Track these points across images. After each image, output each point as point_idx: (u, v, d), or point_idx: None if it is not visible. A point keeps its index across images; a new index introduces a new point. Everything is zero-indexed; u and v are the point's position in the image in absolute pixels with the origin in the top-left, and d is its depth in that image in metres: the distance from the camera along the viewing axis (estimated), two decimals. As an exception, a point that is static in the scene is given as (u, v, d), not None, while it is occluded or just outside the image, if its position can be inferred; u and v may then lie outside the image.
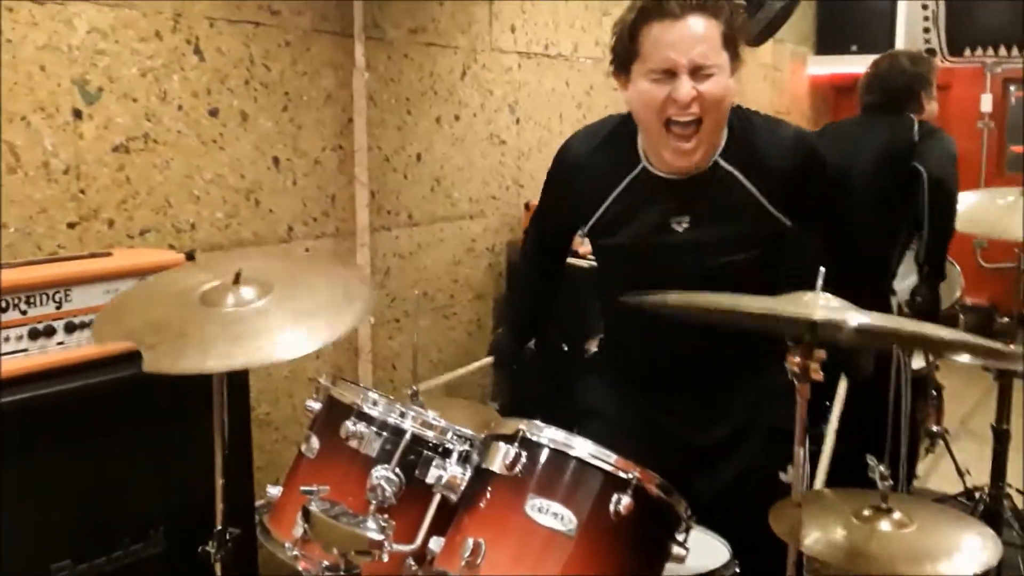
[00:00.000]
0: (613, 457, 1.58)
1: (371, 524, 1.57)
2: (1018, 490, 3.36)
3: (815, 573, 2.06)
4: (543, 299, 2.40)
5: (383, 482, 1.66)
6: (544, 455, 1.60)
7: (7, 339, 1.89)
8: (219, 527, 1.84)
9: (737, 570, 1.77)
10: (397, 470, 1.69)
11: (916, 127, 3.33)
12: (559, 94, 4.08)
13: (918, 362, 3.51)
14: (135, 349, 1.65)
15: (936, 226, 3.22)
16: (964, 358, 1.70)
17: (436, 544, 1.63)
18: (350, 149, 3.09)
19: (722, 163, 1.97)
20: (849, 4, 6.02)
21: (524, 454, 1.60)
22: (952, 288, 3.70)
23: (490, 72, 3.68)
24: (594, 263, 2.26)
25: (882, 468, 1.80)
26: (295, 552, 1.70)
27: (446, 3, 3.45)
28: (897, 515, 1.79)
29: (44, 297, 1.95)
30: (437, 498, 1.67)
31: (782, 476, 1.97)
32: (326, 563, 1.62)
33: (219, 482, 1.83)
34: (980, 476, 3.41)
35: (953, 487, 3.67)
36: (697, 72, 1.86)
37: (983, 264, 4.85)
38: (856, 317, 1.49)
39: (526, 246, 2.49)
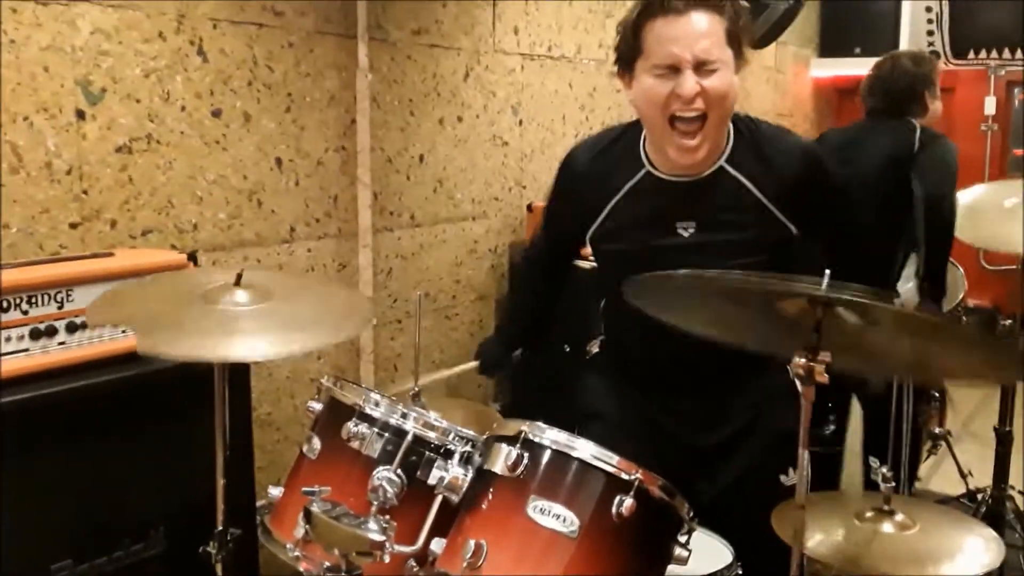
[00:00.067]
0: (615, 458, 1.58)
1: (372, 525, 1.57)
2: (1020, 492, 3.35)
3: (817, 575, 2.06)
4: (541, 307, 2.40)
5: (385, 483, 1.66)
6: (546, 456, 1.60)
7: (8, 339, 1.88)
8: (220, 527, 1.84)
9: (739, 572, 1.77)
10: (399, 471, 1.69)
11: (918, 134, 3.32)
12: (562, 96, 4.08)
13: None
14: (133, 350, 1.66)
15: (932, 247, 3.22)
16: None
17: (438, 545, 1.63)
18: (353, 150, 3.09)
19: (728, 168, 1.96)
20: (853, 6, 6.01)
21: (526, 455, 1.60)
22: (955, 290, 3.70)
23: (493, 73, 3.68)
24: (596, 263, 2.25)
25: (884, 470, 1.80)
26: (296, 553, 1.70)
27: (449, 4, 3.45)
28: (900, 517, 1.79)
29: (46, 297, 1.95)
30: (439, 499, 1.67)
31: (783, 479, 1.97)
32: (327, 564, 1.62)
33: (220, 482, 1.83)
34: (982, 478, 3.40)
35: (955, 489, 3.66)
36: (701, 67, 1.86)
37: (986, 266, 4.85)
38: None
39: (531, 253, 2.48)
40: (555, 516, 1.54)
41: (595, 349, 2.34)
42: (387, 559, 1.57)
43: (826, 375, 1.53)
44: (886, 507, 1.79)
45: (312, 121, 2.96)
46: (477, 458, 1.69)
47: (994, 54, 5.49)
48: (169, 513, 2.07)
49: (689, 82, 1.85)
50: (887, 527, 1.77)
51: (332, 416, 1.81)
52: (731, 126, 1.99)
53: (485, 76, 3.64)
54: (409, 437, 1.72)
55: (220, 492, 1.83)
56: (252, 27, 2.75)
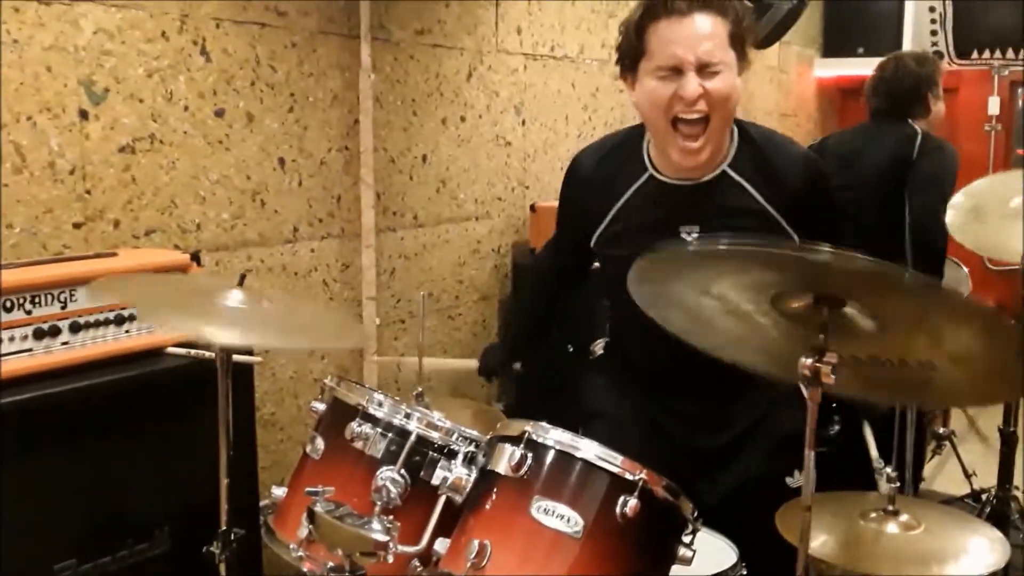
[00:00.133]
0: (619, 459, 1.58)
1: (376, 525, 1.56)
2: (1025, 492, 3.35)
3: (822, 575, 2.05)
4: (547, 316, 2.40)
5: (388, 483, 1.66)
6: (550, 457, 1.60)
7: (12, 339, 1.88)
8: (223, 527, 1.84)
9: (744, 572, 1.76)
10: (402, 471, 1.69)
11: (919, 141, 3.33)
12: (565, 96, 4.08)
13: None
14: (137, 350, 1.66)
15: (921, 268, 3.21)
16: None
17: (441, 545, 1.63)
18: (356, 150, 3.09)
19: (730, 172, 1.96)
20: (856, 6, 6.00)
21: (530, 455, 1.59)
22: (959, 290, 3.69)
23: (496, 73, 3.68)
24: (600, 267, 2.25)
25: (889, 470, 1.79)
26: (299, 553, 1.70)
27: (452, 4, 3.45)
28: (904, 517, 1.78)
29: (49, 297, 1.95)
30: (442, 499, 1.67)
31: (788, 481, 1.96)
32: (331, 564, 1.62)
33: (224, 482, 1.82)
34: (987, 478, 3.39)
35: (960, 489, 3.66)
36: (704, 69, 1.86)
37: (990, 266, 4.83)
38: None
39: (538, 261, 2.48)
40: (559, 516, 1.54)
41: (599, 350, 2.34)
42: (391, 559, 1.57)
43: (833, 376, 1.52)
44: (891, 507, 1.79)
45: (315, 121, 2.96)
46: (481, 458, 1.68)
47: (998, 54, 5.47)
48: (173, 513, 2.07)
49: (692, 84, 1.85)
50: (892, 527, 1.77)
51: (336, 416, 1.81)
52: (735, 131, 1.99)
53: (488, 76, 3.64)
54: (413, 437, 1.72)
55: (224, 492, 1.83)
56: (255, 27, 2.75)
